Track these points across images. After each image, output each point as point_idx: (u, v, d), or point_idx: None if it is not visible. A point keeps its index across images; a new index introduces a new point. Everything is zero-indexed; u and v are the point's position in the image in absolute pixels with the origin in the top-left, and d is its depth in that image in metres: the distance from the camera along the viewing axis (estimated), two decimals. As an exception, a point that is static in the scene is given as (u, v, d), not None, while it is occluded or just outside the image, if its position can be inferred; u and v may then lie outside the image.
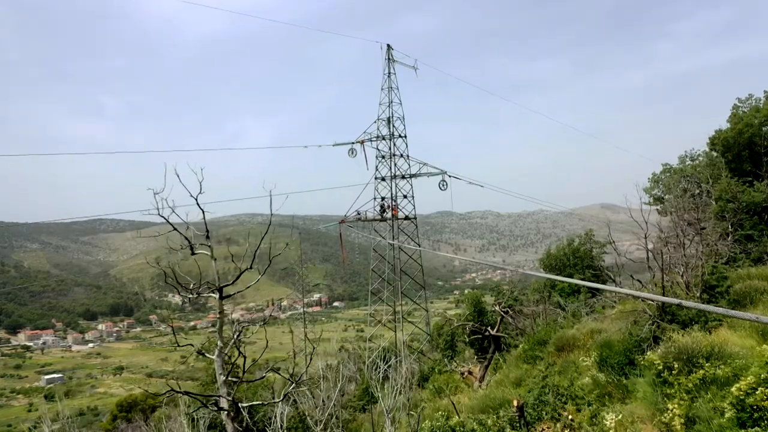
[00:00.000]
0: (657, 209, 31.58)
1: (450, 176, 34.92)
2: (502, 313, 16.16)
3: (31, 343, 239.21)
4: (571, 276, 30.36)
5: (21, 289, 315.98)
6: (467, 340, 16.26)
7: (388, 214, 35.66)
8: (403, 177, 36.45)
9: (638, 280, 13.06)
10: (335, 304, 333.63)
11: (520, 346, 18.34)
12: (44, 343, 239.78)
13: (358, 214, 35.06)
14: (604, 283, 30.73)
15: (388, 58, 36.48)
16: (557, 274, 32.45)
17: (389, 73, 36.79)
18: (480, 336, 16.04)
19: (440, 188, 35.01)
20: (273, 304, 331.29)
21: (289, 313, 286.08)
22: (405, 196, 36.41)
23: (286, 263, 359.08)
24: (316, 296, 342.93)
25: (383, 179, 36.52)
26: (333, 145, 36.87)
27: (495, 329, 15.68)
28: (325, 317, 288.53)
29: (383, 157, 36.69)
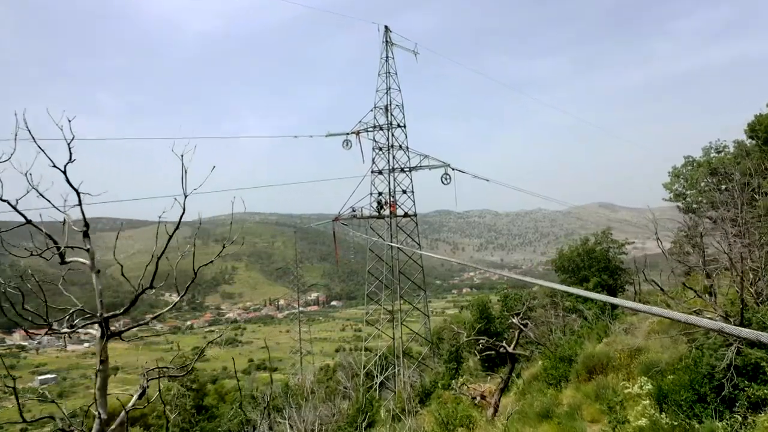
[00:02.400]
0: (678, 206, 29.11)
1: (453, 169, 32.27)
2: (520, 326, 13.64)
3: (26, 343, 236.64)
4: (586, 279, 27.80)
5: (16, 288, 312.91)
6: (478, 357, 13.79)
7: (386, 211, 32.84)
8: (402, 170, 33.51)
9: (692, 288, 10.40)
10: (333, 303, 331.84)
11: (540, 362, 15.80)
12: (39, 343, 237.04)
13: (353, 210, 32.34)
14: (623, 287, 28.23)
15: (386, 41, 33.70)
16: (570, 277, 29.87)
17: (387, 57, 33.80)
18: (494, 352, 13.56)
19: (443, 182, 32.30)
20: (270, 303, 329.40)
21: (287, 312, 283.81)
22: (404, 191, 33.58)
23: (282, 262, 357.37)
24: (313, 295, 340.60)
25: (380, 173, 33.65)
26: (326, 136, 34.18)
27: (512, 345, 13.18)
28: (323, 317, 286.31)
29: (380, 148, 33.88)
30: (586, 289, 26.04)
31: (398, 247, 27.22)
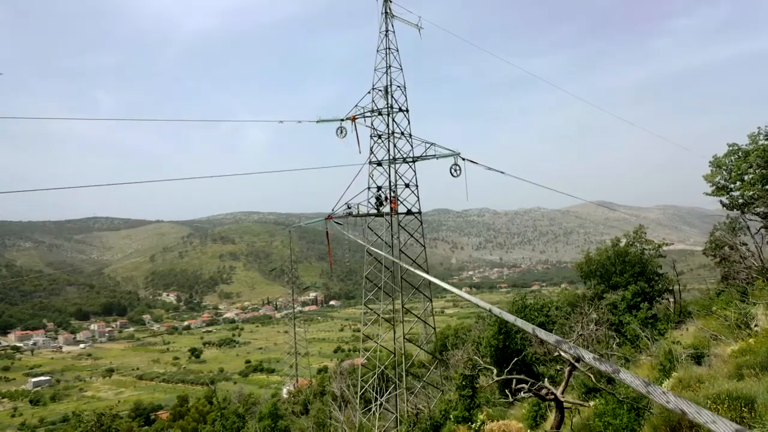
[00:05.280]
0: (721, 201, 25.50)
1: (464, 159, 28.33)
2: (572, 362, 10.09)
3: (21, 344, 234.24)
4: (618, 287, 24.00)
5: (12, 289, 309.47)
6: (511, 398, 10.37)
7: (386, 208, 28.86)
8: (404, 160, 29.29)
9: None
10: (331, 302, 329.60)
11: (592, 403, 12.13)
12: (34, 344, 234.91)
13: (349, 207, 28.45)
14: (661, 294, 24.41)
15: (385, 12, 29.70)
16: (598, 284, 26.07)
17: (386, 30, 29.36)
18: (535, 395, 10.05)
19: (452, 174, 28.28)
20: (268, 304, 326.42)
21: (285, 312, 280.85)
22: (407, 185, 29.42)
23: (281, 261, 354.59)
24: (312, 295, 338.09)
25: (379, 164, 29.37)
26: (317, 122, 30.17)
27: (562, 388, 9.66)
28: (321, 316, 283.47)
29: (379, 136, 29.54)
30: (623, 298, 22.42)
31: (401, 251, 23.49)
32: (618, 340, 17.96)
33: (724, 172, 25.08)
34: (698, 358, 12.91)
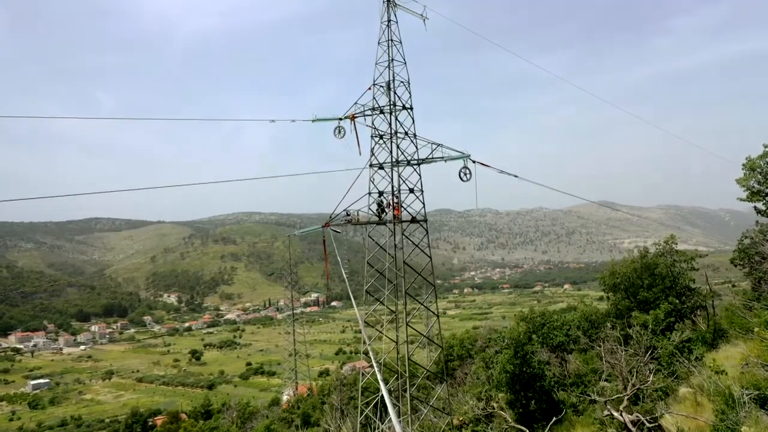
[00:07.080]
0: (756, 207, 23.37)
1: (474, 162, 26.16)
2: (627, 425, 8.00)
3: (22, 346, 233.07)
4: (647, 303, 21.62)
5: (13, 290, 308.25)
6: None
7: (388, 215, 26.61)
8: (408, 163, 26.90)
9: None
10: (333, 303, 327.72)
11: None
12: (35, 346, 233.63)
13: (348, 214, 26.26)
14: (693, 311, 22.08)
15: (387, 1, 27.72)
16: (623, 299, 23.75)
17: (389, 20, 27.02)
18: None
19: (461, 178, 25.97)
20: (269, 305, 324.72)
21: (286, 313, 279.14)
22: (411, 190, 26.84)
23: (282, 262, 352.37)
24: (314, 295, 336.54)
25: (381, 167, 27.02)
26: (312, 121, 27.92)
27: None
28: (323, 318, 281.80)
29: (380, 136, 27.10)
30: (656, 317, 20.08)
31: (406, 263, 21.34)
32: (651, 367, 15.85)
33: (759, 175, 22.94)
34: (762, 400, 10.77)
